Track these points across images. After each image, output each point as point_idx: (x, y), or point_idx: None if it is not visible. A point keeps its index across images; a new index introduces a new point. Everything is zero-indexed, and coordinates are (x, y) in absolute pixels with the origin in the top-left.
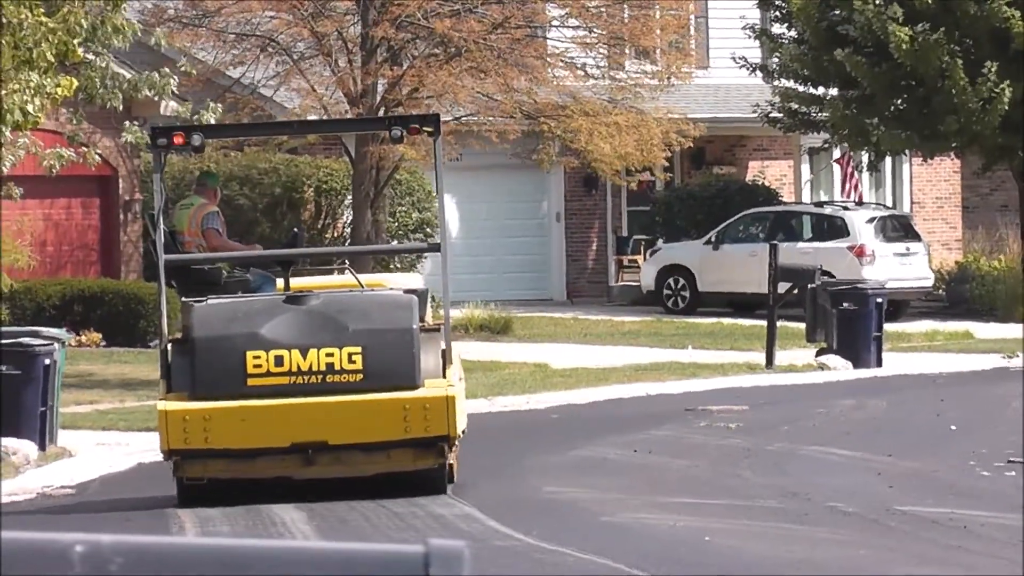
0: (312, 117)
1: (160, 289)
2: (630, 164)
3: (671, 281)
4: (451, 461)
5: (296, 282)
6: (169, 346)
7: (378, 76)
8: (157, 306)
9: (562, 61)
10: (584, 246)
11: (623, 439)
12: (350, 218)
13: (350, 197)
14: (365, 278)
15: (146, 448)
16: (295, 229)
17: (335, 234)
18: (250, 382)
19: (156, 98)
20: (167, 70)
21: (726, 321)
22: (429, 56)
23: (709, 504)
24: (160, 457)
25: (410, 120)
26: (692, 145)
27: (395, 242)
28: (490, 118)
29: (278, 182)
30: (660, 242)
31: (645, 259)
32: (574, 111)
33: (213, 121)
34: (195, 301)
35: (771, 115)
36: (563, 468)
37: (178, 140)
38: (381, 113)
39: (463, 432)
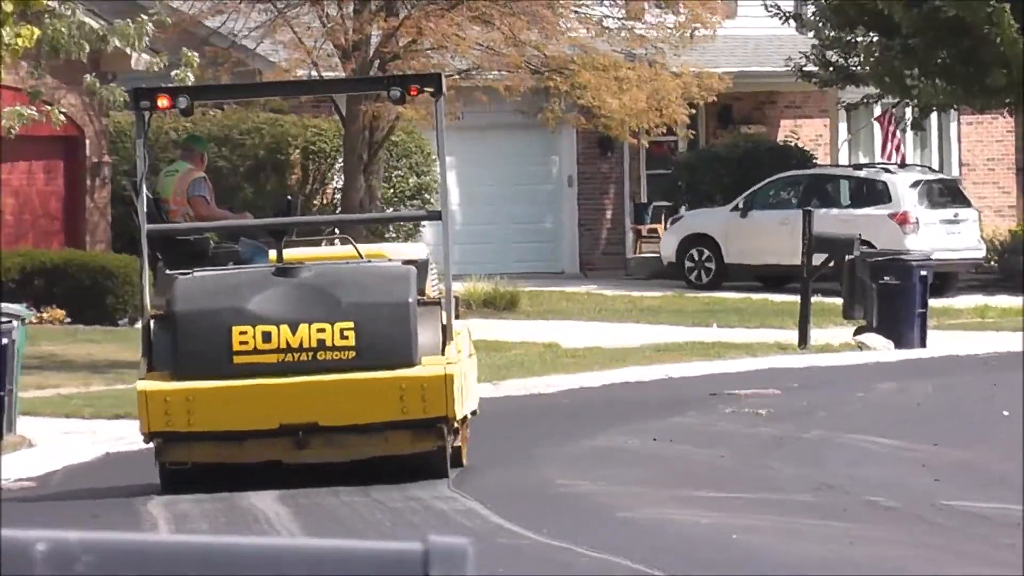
0: (300, 72)
1: (143, 261)
2: (644, 123)
3: (694, 252)
4: (458, 443)
5: (291, 253)
6: (151, 322)
7: (372, 27)
8: (139, 279)
9: (575, 11)
10: (598, 214)
11: (641, 427)
12: (340, 183)
13: (341, 160)
14: (364, 248)
15: (115, 436)
16: (288, 196)
17: (324, 201)
18: (236, 360)
19: (128, 50)
20: (143, 17)
21: (755, 296)
22: (429, 4)
23: (736, 498)
24: (130, 447)
25: (410, 80)
26: (716, 99)
27: (390, 210)
28: (495, 72)
29: (261, 143)
30: (682, 209)
31: (666, 228)
32: (581, 64)
33: (191, 76)
34: (180, 273)
35: (805, 68)
36: (575, 458)
37: (163, 102)
38: (376, 67)
39: (475, 412)
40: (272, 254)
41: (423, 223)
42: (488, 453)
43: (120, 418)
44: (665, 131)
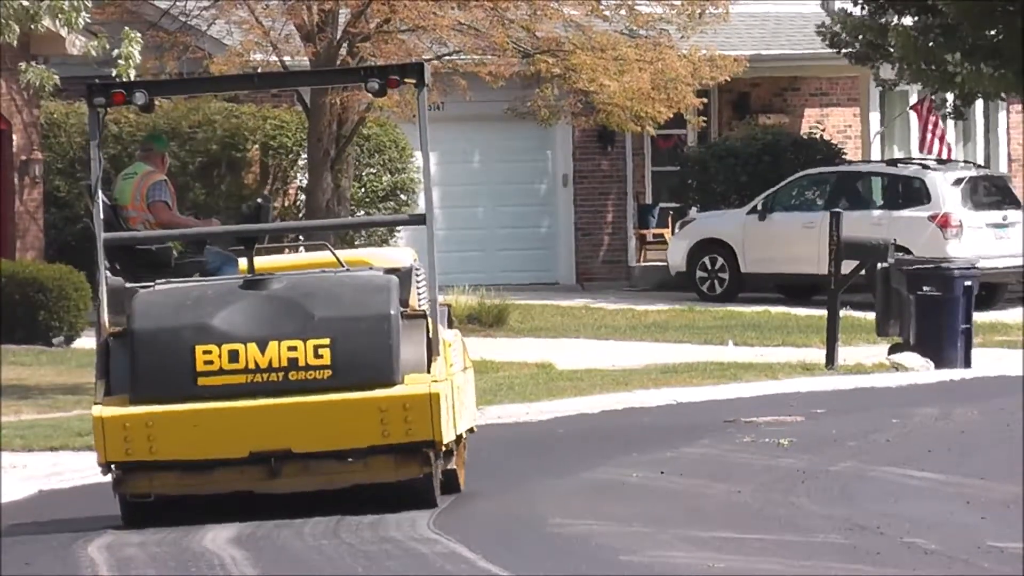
0: (257, 56)
1: (100, 273)
2: (649, 108)
3: (707, 260)
4: (452, 466)
5: (264, 261)
6: (109, 341)
7: (339, 4)
8: (94, 294)
9: None
10: (598, 217)
11: (647, 458)
12: (305, 182)
13: (305, 156)
14: (346, 255)
15: (49, 472)
16: (259, 200)
17: (286, 202)
18: (200, 382)
19: (64, 31)
20: None
21: (775, 310)
22: None
23: (755, 539)
24: (65, 483)
25: (390, 71)
26: (731, 86)
27: (361, 213)
28: (479, 56)
29: (214, 137)
30: (693, 211)
31: (674, 233)
32: (576, 44)
33: (137, 55)
34: (140, 287)
35: (839, 38)
36: (573, 493)
37: (119, 98)
38: (344, 51)
39: (472, 431)
40: (243, 263)
41: (397, 228)
42: (474, 488)
43: (55, 450)
44: (673, 122)
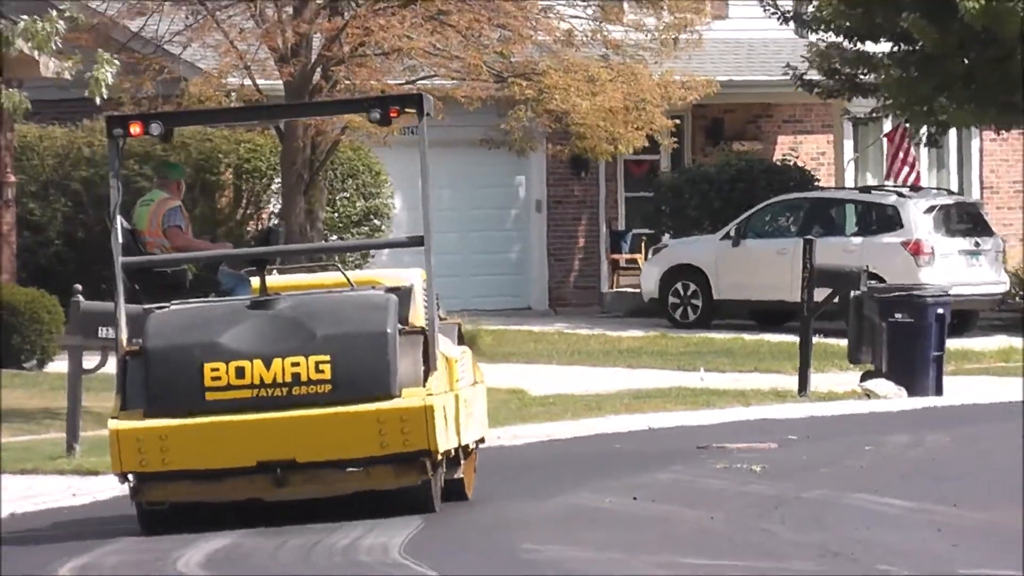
0: (232, 78)
1: (118, 295)
2: (621, 128)
3: (679, 286)
4: (459, 475)
5: (276, 281)
6: (126, 359)
7: (313, 28)
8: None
9: (541, 11)
10: (570, 242)
11: (620, 483)
12: (278, 207)
13: (278, 180)
14: (355, 275)
15: (22, 495)
16: (271, 224)
17: (260, 226)
18: (209, 396)
19: (36, 53)
20: (53, 12)
21: (748, 337)
22: (378, 2)
23: (729, 566)
24: (38, 505)
25: (390, 101)
26: (704, 112)
27: (335, 238)
28: (452, 80)
29: (188, 160)
30: (666, 237)
31: (647, 259)
32: (550, 66)
33: (109, 77)
34: (156, 307)
35: (806, 76)
36: (544, 519)
37: (135, 130)
38: (318, 75)
39: (482, 440)
40: (256, 283)
41: (371, 252)
42: (445, 512)
43: (28, 473)
44: (646, 148)
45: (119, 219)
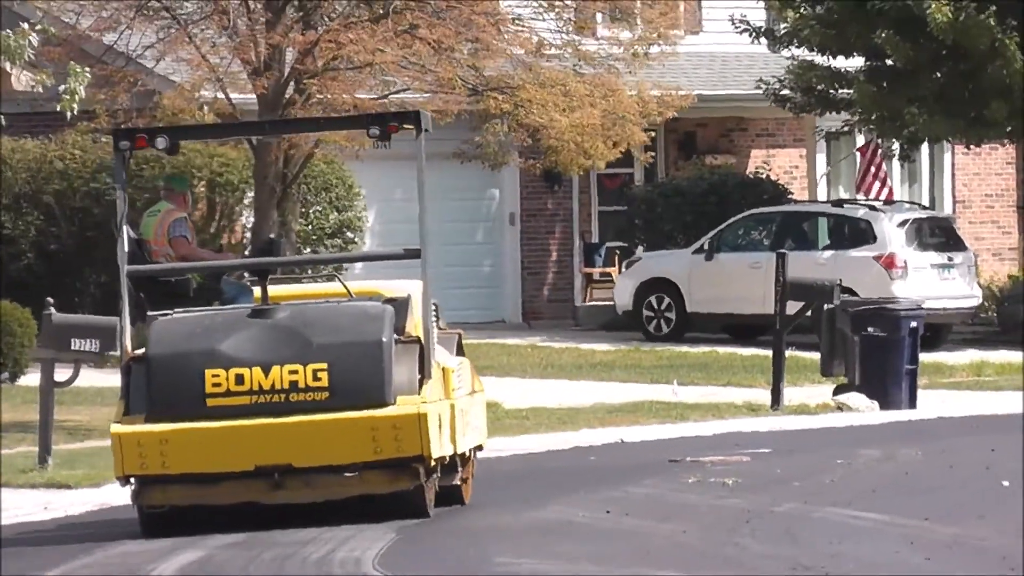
0: (205, 92)
1: (123, 303)
2: (599, 145)
3: (653, 300)
4: (456, 481)
5: (277, 291)
6: (131, 365)
7: (286, 41)
8: (119, 322)
9: (512, 24)
10: (544, 256)
11: (593, 497)
12: (251, 220)
13: (251, 194)
14: (356, 285)
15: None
16: (272, 235)
17: (232, 239)
18: (209, 402)
19: (8, 66)
20: (25, 25)
21: (721, 350)
22: (349, 16)
23: None
24: (6, 520)
25: (388, 118)
26: (678, 126)
27: (308, 251)
28: (425, 93)
29: (161, 174)
30: (639, 250)
31: (620, 272)
32: (524, 80)
33: (82, 91)
34: (159, 315)
35: (780, 92)
36: (518, 533)
37: (142, 143)
38: (291, 88)
39: (480, 447)
40: (257, 292)
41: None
42: (423, 522)
43: (8, 487)
44: (620, 161)
45: (125, 228)
